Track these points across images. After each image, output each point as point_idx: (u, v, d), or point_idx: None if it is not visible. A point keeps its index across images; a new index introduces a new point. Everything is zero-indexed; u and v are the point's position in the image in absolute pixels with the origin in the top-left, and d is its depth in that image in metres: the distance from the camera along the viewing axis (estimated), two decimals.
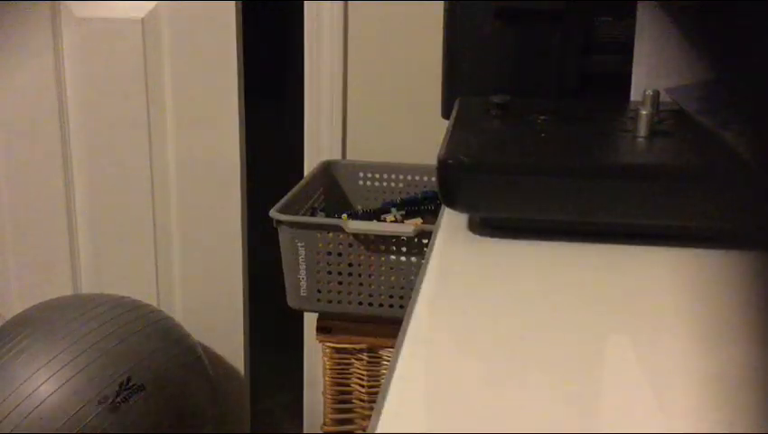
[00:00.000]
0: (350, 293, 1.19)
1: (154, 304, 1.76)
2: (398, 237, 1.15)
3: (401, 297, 1.18)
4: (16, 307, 1.64)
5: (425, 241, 1.14)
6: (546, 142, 0.68)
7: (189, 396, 1.48)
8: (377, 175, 1.48)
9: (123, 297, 1.56)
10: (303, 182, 1.35)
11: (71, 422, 1.29)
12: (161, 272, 1.75)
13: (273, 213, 1.16)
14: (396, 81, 1.55)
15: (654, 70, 0.82)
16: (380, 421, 0.36)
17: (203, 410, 1.52)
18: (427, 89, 1.48)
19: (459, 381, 0.39)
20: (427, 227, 1.13)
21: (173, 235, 1.72)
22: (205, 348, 1.77)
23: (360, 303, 1.19)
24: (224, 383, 1.79)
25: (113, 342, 1.38)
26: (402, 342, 0.44)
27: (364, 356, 1.27)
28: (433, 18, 1.47)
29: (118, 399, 1.33)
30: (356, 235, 1.15)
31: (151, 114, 1.66)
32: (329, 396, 1.30)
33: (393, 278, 1.17)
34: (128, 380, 1.35)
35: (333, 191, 1.49)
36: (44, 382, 1.31)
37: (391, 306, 1.18)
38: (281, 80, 2.49)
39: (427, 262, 0.56)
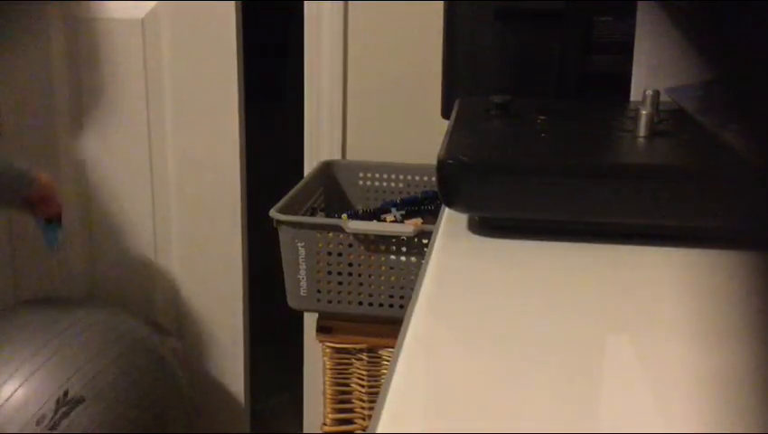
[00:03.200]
0: (350, 293, 1.19)
1: (155, 304, 1.76)
2: (398, 237, 1.15)
3: (401, 297, 1.18)
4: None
5: (425, 241, 1.14)
6: (546, 142, 0.68)
7: (145, 402, 1.37)
8: (377, 175, 1.48)
9: (63, 298, 1.48)
10: (303, 182, 1.35)
11: None
12: (161, 272, 1.75)
13: (273, 213, 1.16)
14: (396, 81, 1.55)
15: (654, 70, 0.82)
16: (380, 421, 0.36)
17: (167, 412, 1.43)
18: (427, 89, 1.48)
19: (459, 381, 0.39)
20: (427, 227, 1.13)
21: (173, 235, 1.72)
22: (205, 348, 1.77)
23: (360, 303, 1.19)
24: (224, 383, 1.79)
25: (47, 355, 1.28)
26: (402, 342, 0.44)
27: (364, 356, 1.27)
28: (433, 18, 1.47)
29: (56, 416, 1.24)
30: (356, 235, 1.15)
31: (151, 114, 1.66)
32: (329, 396, 1.30)
33: (393, 278, 1.17)
34: (65, 394, 1.25)
35: (333, 191, 1.48)
36: None
37: (391, 306, 1.18)
38: (281, 81, 2.49)
39: (427, 262, 0.56)
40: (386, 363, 1.26)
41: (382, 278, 1.17)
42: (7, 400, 1.24)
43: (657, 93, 0.68)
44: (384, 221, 1.30)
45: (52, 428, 1.23)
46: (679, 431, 0.35)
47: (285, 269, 1.19)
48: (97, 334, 1.36)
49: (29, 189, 1.25)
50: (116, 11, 1.61)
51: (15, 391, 1.24)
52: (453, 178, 0.60)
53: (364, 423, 1.31)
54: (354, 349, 1.27)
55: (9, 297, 1.75)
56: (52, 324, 1.35)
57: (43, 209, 1.30)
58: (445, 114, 0.98)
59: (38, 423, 1.23)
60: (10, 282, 1.77)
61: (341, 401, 1.31)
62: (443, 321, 0.47)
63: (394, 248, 1.16)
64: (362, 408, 1.30)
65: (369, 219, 1.31)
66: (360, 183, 1.49)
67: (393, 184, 1.47)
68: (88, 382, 1.29)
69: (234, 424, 1.81)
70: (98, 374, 1.31)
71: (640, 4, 0.82)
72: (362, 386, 1.29)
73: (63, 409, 1.24)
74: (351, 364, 1.28)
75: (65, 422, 1.24)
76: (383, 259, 1.16)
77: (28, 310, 1.42)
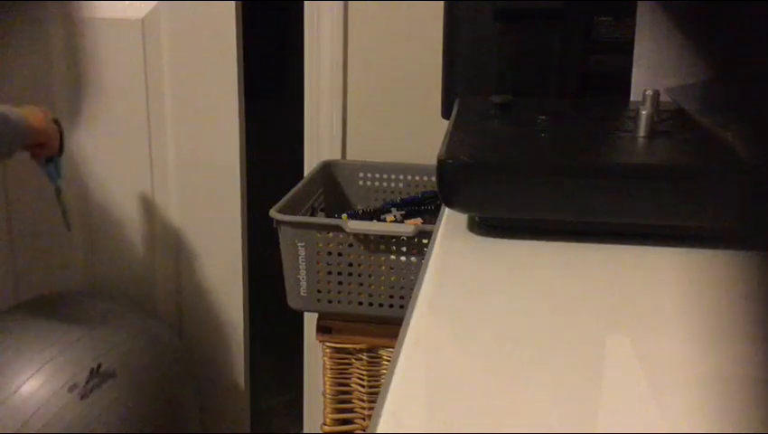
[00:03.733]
0: (350, 293, 1.19)
1: (154, 304, 1.76)
2: (398, 237, 1.15)
3: (401, 297, 1.18)
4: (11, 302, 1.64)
5: (425, 241, 1.14)
6: (546, 142, 0.68)
7: (164, 383, 1.45)
8: (377, 175, 1.48)
9: (96, 293, 1.53)
10: (303, 182, 1.35)
11: (42, 411, 1.26)
12: (161, 272, 1.75)
13: (273, 213, 1.16)
14: (396, 81, 1.55)
15: (654, 70, 0.82)
16: (380, 421, 0.36)
17: (182, 397, 1.50)
18: (427, 89, 1.48)
19: (459, 381, 0.39)
20: (427, 227, 1.13)
21: (173, 235, 1.72)
22: (205, 348, 1.77)
23: (360, 303, 1.19)
24: (224, 383, 1.79)
25: (81, 332, 1.35)
26: (402, 342, 0.44)
27: (364, 356, 1.27)
28: (433, 18, 1.47)
29: (88, 385, 1.30)
30: (356, 235, 1.15)
31: (151, 114, 1.66)
32: (329, 396, 1.30)
33: (393, 278, 1.17)
34: (99, 367, 1.31)
35: (333, 191, 1.48)
36: (15, 375, 1.28)
37: (391, 306, 1.18)
38: (281, 80, 2.49)
39: (427, 262, 0.56)
40: (386, 363, 1.26)
41: (382, 278, 1.17)
42: (42, 366, 1.29)
43: (657, 93, 0.68)
44: (384, 221, 1.30)
45: (83, 397, 1.28)
46: (679, 431, 0.35)
47: (285, 269, 1.19)
48: (128, 321, 1.45)
49: (25, 139, 1.24)
50: (116, 11, 1.61)
51: (52, 359, 1.29)
52: (453, 178, 0.60)
53: (364, 423, 1.31)
54: (354, 349, 1.27)
55: (9, 298, 1.75)
56: (85, 311, 1.43)
57: (41, 152, 1.30)
58: (445, 114, 0.98)
59: (70, 390, 1.28)
60: (10, 279, 1.77)
61: (341, 401, 1.31)
62: (443, 321, 0.47)
63: (394, 248, 1.16)
64: (362, 408, 1.30)
65: (369, 219, 1.31)
66: (360, 183, 1.49)
67: (393, 184, 1.47)
68: (121, 358, 1.36)
69: (234, 424, 1.81)
70: (129, 352, 1.38)
71: (640, 4, 0.82)
72: (362, 386, 1.29)
73: (95, 379, 1.31)
74: (351, 364, 1.28)
75: (96, 393, 1.30)
76: (383, 259, 1.16)
77: (58, 300, 1.49)
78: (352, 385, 1.30)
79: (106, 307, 1.47)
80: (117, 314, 1.46)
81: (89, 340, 1.34)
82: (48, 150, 1.31)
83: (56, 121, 1.32)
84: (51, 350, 1.31)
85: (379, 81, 1.55)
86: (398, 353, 0.42)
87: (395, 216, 1.32)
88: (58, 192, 1.40)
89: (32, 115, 1.26)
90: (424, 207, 1.36)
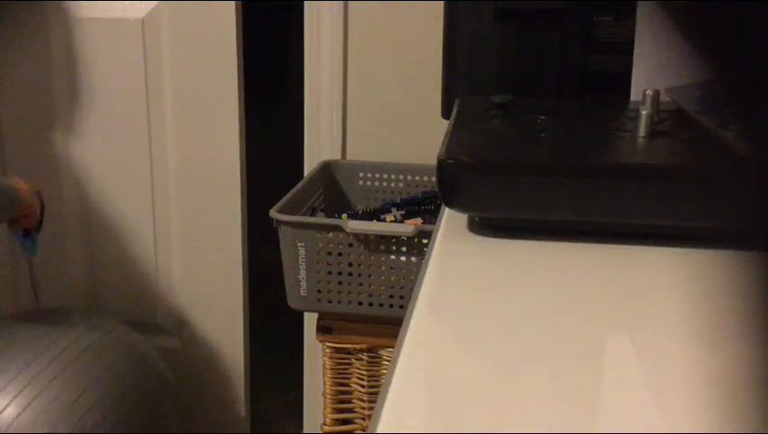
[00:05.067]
0: (350, 293, 1.18)
1: (154, 305, 1.76)
2: (398, 237, 1.15)
3: (401, 297, 1.18)
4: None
5: (425, 241, 1.14)
6: (546, 142, 0.68)
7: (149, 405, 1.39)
8: (377, 175, 1.48)
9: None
10: (303, 182, 1.35)
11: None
12: (161, 272, 1.75)
13: (273, 213, 1.16)
14: (396, 81, 1.55)
15: (654, 70, 0.82)
16: (380, 421, 0.36)
17: (160, 416, 1.44)
18: (427, 89, 1.48)
19: (459, 381, 0.39)
20: (427, 227, 1.13)
21: (173, 235, 1.72)
22: (205, 348, 1.77)
23: (360, 303, 1.19)
24: (224, 384, 1.79)
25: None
26: (402, 342, 0.44)
27: (364, 356, 1.27)
28: (433, 18, 1.47)
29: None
30: (356, 235, 1.15)
31: (151, 114, 1.66)
32: (329, 396, 1.30)
33: (393, 278, 1.17)
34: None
35: (333, 191, 1.48)
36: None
37: (391, 306, 1.18)
38: (281, 81, 2.49)
39: (427, 262, 0.56)
40: (386, 363, 1.26)
41: (382, 278, 1.17)
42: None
43: (657, 93, 0.68)
44: (384, 221, 1.30)
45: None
46: (679, 431, 0.35)
47: (285, 269, 1.19)
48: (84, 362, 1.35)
49: (14, 209, 1.24)
50: (116, 11, 1.61)
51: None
52: (453, 178, 0.60)
53: (364, 423, 1.31)
54: (354, 349, 1.27)
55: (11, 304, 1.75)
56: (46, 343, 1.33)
57: (23, 222, 1.30)
58: (445, 114, 0.98)
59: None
60: (11, 290, 1.77)
61: (342, 401, 1.31)
62: (443, 321, 0.47)
63: (394, 248, 1.16)
64: (362, 408, 1.30)
65: (369, 219, 1.31)
66: (360, 183, 1.49)
67: (393, 184, 1.47)
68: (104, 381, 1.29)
69: (234, 424, 1.81)
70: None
71: (640, 4, 0.82)
72: (362, 386, 1.29)
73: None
74: (351, 364, 1.28)
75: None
76: (383, 259, 1.16)
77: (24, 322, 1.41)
78: (352, 385, 1.30)
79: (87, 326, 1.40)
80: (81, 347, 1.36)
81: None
82: (28, 222, 1.30)
83: (39, 193, 1.31)
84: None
85: (379, 81, 1.55)
86: (398, 353, 0.42)
87: (395, 216, 1.32)
88: (31, 265, 1.38)
89: (19, 185, 1.25)
90: (424, 207, 1.36)
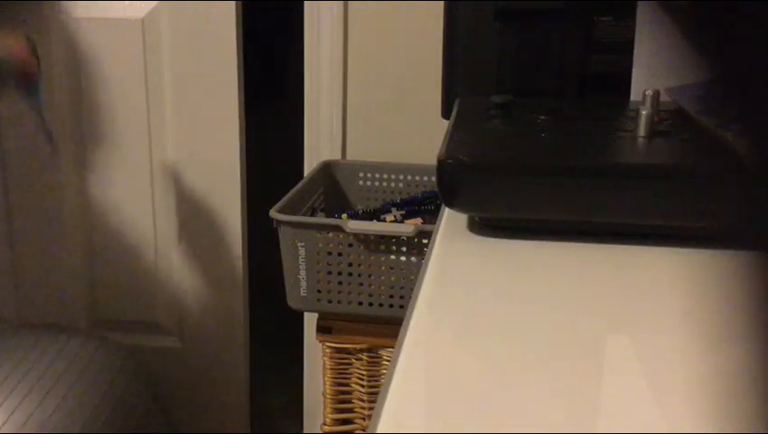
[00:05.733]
0: (350, 293, 1.18)
1: (154, 305, 1.76)
2: (398, 237, 1.15)
3: (401, 297, 1.18)
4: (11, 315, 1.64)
5: (425, 241, 1.14)
6: (546, 142, 0.68)
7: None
8: (377, 175, 1.48)
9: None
10: (303, 182, 1.35)
11: None
12: (161, 273, 1.75)
13: (273, 213, 1.16)
14: (396, 81, 1.55)
15: (654, 70, 0.82)
16: (380, 421, 0.36)
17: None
18: (427, 89, 1.48)
19: (459, 381, 0.39)
20: (427, 227, 1.13)
21: (173, 235, 1.72)
22: (205, 348, 1.77)
23: (360, 303, 1.19)
24: (224, 383, 1.79)
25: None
26: (402, 342, 0.44)
27: (364, 356, 1.27)
28: (433, 18, 1.47)
29: None
30: (356, 235, 1.15)
31: (151, 114, 1.66)
32: (329, 396, 1.30)
33: (393, 278, 1.17)
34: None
35: (333, 191, 1.48)
36: None
37: (391, 306, 1.18)
38: (281, 80, 2.49)
39: (427, 262, 0.56)
40: (386, 363, 1.26)
41: (382, 278, 1.17)
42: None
43: (657, 93, 0.68)
44: (384, 221, 1.30)
45: None
46: (679, 431, 0.35)
47: (285, 269, 1.19)
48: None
49: (10, 73, 1.22)
50: (116, 11, 1.61)
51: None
52: (453, 178, 0.60)
53: (364, 423, 1.31)
54: (354, 349, 1.27)
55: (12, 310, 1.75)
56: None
57: (24, 80, 1.26)
58: (445, 114, 0.98)
59: None
60: (11, 295, 1.77)
61: (342, 401, 1.31)
62: (443, 321, 0.47)
63: (394, 248, 1.16)
64: (362, 408, 1.30)
65: (369, 219, 1.31)
66: (360, 183, 1.49)
67: (393, 184, 1.47)
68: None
69: (234, 424, 1.81)
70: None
71: (640, 4, 0.82)
72: (362, 386, 1.29)
73: None
74: (351, 364, 1.28)
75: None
76: (383, 259, 1.16)
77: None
78: (352, 385, 1.30)
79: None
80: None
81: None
82: (28, 78, 1.26)
83: (30, 41, 1.25)
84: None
85: (379, 81, 1.55)
86: (398, 353, 0.42)
87: (395, 216, 1.32)
88: (39, 111, 1.33)
89: (11, 38, 1.22)
90: (424, 207, 1.36)
